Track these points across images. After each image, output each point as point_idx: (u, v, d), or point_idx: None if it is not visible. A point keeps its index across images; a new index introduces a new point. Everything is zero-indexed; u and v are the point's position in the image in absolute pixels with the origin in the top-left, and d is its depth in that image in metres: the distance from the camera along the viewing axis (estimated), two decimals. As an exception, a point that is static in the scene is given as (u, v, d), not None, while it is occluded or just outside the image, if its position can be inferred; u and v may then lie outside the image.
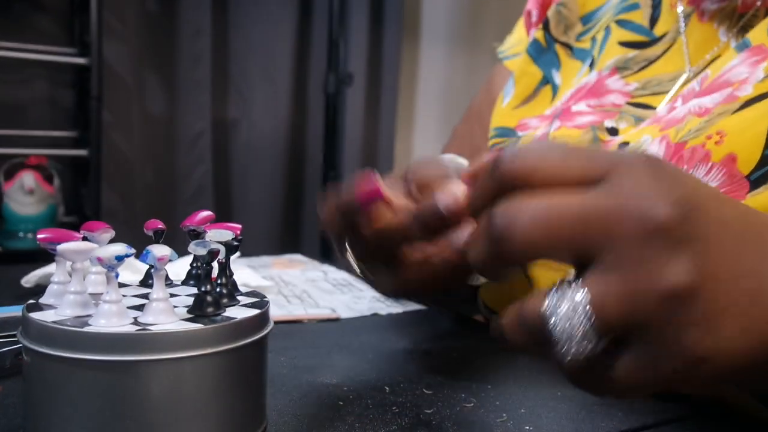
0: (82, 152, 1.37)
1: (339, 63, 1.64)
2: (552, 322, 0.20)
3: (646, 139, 0.40)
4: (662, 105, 0.42)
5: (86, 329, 0.24)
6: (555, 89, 0.52)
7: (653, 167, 0.21)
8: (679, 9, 0.45)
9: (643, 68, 0.45)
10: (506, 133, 0.52)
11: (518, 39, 0.59)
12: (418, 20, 1.96)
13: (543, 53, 0.53)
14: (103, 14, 1.32)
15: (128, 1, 1.51)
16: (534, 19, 0.57)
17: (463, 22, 1.97)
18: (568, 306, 0.20)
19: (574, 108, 0.47)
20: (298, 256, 0.73)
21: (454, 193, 0.26)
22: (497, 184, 0.22)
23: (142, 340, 0.24)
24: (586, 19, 0.53)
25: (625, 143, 0.42)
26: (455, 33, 1.96)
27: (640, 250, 0.20)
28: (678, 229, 0.20)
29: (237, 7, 1.65)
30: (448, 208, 0.26)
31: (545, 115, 0.50)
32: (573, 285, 0.20)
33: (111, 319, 0.24)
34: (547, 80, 0.52)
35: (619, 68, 0.46)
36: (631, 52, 0.46)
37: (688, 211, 0.20)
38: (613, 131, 0.44)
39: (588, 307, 0.20)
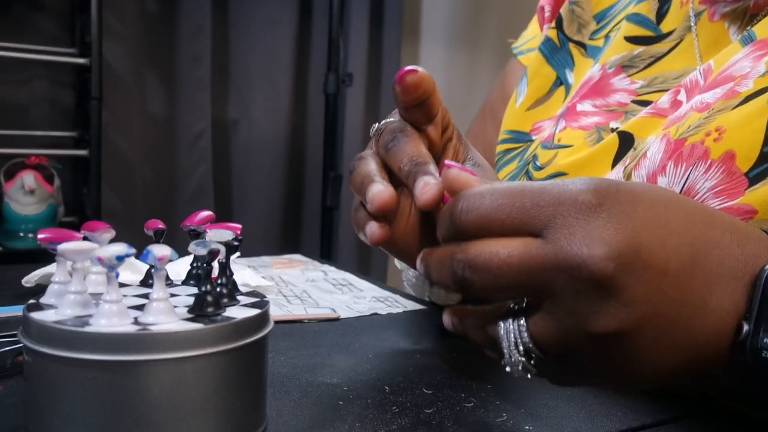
0: (83, 152, 1.37)
1: (339, 63, 1.64)
2: (501, 343, 0.25)
3: (651, 139, 0.40)
4: (665, 96, 0.42)
5: (87, 329, 0.24)
6: (568, 89, 0.52)
7: (593, 211, 0.23)
8: (691, 11, 0.45)
9: (649, 65, 0.45)
10: (520, 137, 0.52)
11: (532, 34, 0.59)
12: (418, 20, 1.96)
13: (556, 53, 0.53)
14: (103, 14, 1.32)
15: (128, 1, 1.51)
16: (547, 14, 0.56)
17: (463, 22, 1.97)
18: (513, 334, 0.24)
19: (579, 107, 0.47)
20: (298, 256, 0.73)
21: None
22: (456, 229, 0.25)
23: (142, 340, 0.24)
24: (600, 16, 0.52)
25: (629, 135, 0.42)
26: (455, 33, 1.96)
27: (571, 300, 0.23)
28: (607, 283, 0.22)
29: (237, 8, 1.65)
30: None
31: (556, 116, 0.50)
32: (520, 316, 0.24)
33: (111, 319, 0.24)
34: (561, 81, 0.52)
35: (625, 66, 0.46)
36: (637, 49, 0.46)
37: (619, 264, 0.22)
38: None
39: (528, 338, 0.24)
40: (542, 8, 0.57)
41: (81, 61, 1.34)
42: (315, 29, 1.75)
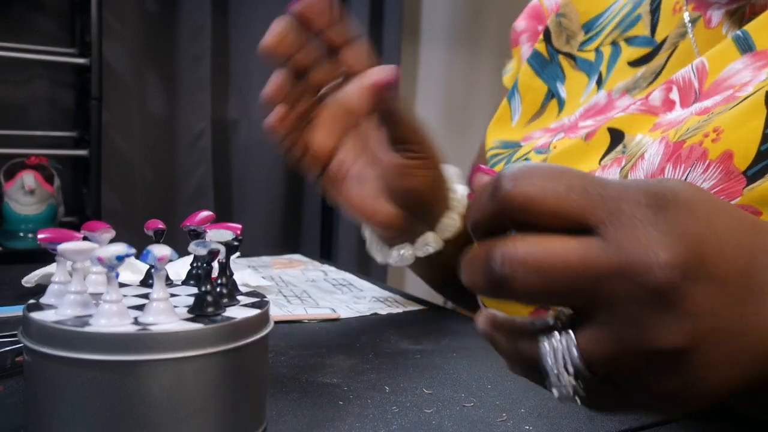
0: (83, 152, 1.37)
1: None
2: (544, 361, 0.21)
3: (647, 140, 0.40)
4: (656, 91, 0.41)
5: (87, 329, 0.24)
6: (561, 103, 0.52)
7: (656, 214, 0.20)
8: (686, 16, 0.45)
9: (651, 83, 0.45)
10: (510, 145, 0.52)
11: (516, 63, 0.60)
12: (418, 20, 1.96)
13: (546, 66, 0.53)
14: (103, 14, 1.32)
15: (128, 1, 1.51)
16: (520, 30, 0.57)
17: (463, 22, 1.97)
18: (560, 350, 0.21)
19: (581, 123, 0.47)
20: (298, 256, 0.73)
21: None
22: (497, 209, 0.21)
23: (142, 340, 0.24)
24: (588, 26, 0.52)
25: (619, 132, 0.41)
26: (455, 33, 1.96)
27: (632, 310, 0.20)
28: (672, 293, 0.20)
29: (237, 8, 1.65)
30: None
31: (549, 128, 0.50)
32: (567, 330, 0.21)
33: (111, 319, 0.24)
34: (552, 94, 0.52)
35: (630, 90, 0.46)
36: (640, 70, 0.46)
37: (685, 273, 0.20)
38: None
39: (578, 356, 0.21)
40: (514, 30, 0.58)
41: (81, 61, 1.34)
42: (315, 29, 1.74)
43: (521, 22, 0.57)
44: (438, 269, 0.51)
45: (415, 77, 1.97)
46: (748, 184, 0.33)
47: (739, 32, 0.39)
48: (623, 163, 0.40)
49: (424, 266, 0.51)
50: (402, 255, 0.48)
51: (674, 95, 0.41)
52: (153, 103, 1.58)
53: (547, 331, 0.21)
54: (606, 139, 0.42)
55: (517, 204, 0.20)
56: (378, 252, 0.50)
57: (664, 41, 0.46)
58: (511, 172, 0.21)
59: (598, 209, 0.20)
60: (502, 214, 0.21)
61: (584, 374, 0.21)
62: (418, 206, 0.46)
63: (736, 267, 0.21)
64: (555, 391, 0.21)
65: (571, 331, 0.21)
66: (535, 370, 0.22)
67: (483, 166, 0.24)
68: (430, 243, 0.47)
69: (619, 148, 0.41)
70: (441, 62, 1.95)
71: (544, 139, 0.49)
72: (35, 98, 1.45)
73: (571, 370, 0.20)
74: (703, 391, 0.21)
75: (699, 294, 0.20)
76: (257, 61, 1.69)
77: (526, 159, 0.48)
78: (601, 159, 0.42)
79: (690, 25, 0.45)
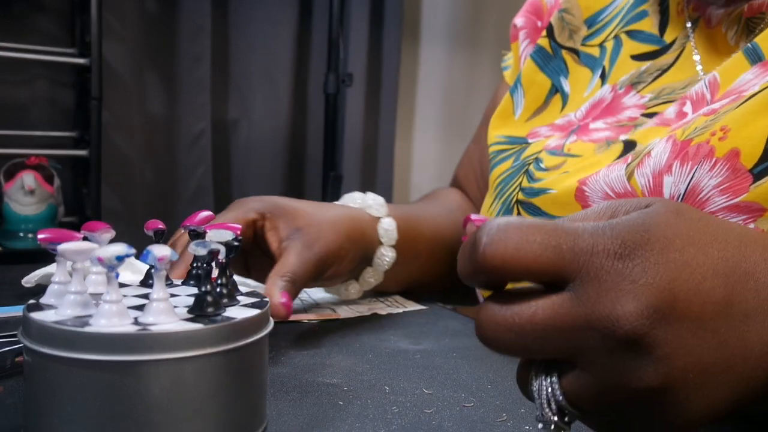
0: (83, 152, 1.37)
1: (339, 63, 1.64)
2: (534, 398, 0.23)
3: (655, 140, 0.40)
4: (672, 107, 0.42)
5: (87, 329, 0.24)
6: (564, 97, 0.52)
7: (625, 265, 0.21)
8: (687, 19, 0.45)
9: (656, 78, 0.45)
10: (515, 140, 0.52)
11: (514, 53, 0.60)
12: (418, 20, 1.96)
13: (550, 61, 0.53)
14: (103, 14, 1.32)
15: (128, 1, 1.51)
16: (520, 26, 0.57)
17: (463, 22, 1.97)
18: (546, 391, 0.23)
19: (592, 125, 0.47)
20: (298, 256, 0.73)
21: None
22: (476, 268, 0.22)
23: (142, 340, 0.24)
24: (591, 21, 0.52)
25: (632, 142, 0.42)
26: (455, 33, 1.96)
27: (606, 358, 0.21)
28: (642, 340, 0.21)
29: (237, 8, 1.65)
30: None
31: (555, 124, 0.50)
32: (553, 372, 0.23)
33: (111, 319, 0.24)
34: (556, 89, 0.52)
35: (634, 83, 0.46)
36: (644, 65, 0.46)
37: (654, 320, 0.21)
38: (627, 143, 0.44)
39: (561, 396, 0.22)
40: (514, 25, 0.58)
41: (81, 61, 1.34)
42: (315, 29, 1.75)
43: (520, 18, 0.57)
44: (393, 284, 0.55)
45: (415, 77, 1.97)
46: (754, 182, 0.33)
47: (749, 44, 0.39)
48: (629, 160, 0.40)
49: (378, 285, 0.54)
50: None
51: (687, 108, 0.41)
52: (153, 103, 1.58)
53: (539, 370, 0.23)
54: (619, 151, 0.43)
55: (492, 266, 0.22)
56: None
57: (673, 42, 0.46)
58: (488, 233, 0.22)
59: (570, 266, 0.21)
60: (483, 273, 0.22)
61: (570, 411, 0.22)
62: (344, 273, 0.49)
63: (715, 299, 0.22)
64: (540, 425, 0.23)
65: (555, 374, 0.23)
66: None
67: (473, 216, 0.25)
68: (371, 278, 0.52)
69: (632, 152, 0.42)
70: (441, 62, 1.95)
71: (554, 138, 0.49)
72: (35, 98, 1.45)
73: (554, 407, 0.22)
74: (688, 421, 0.22)
75: (671, 336, 0.21)
76: (257, 61, 1.69)
77: (537, 158, 0.48)
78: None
79: (691, 27, 0.45)
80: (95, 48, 1.30)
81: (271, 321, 0.29)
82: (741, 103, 0.36)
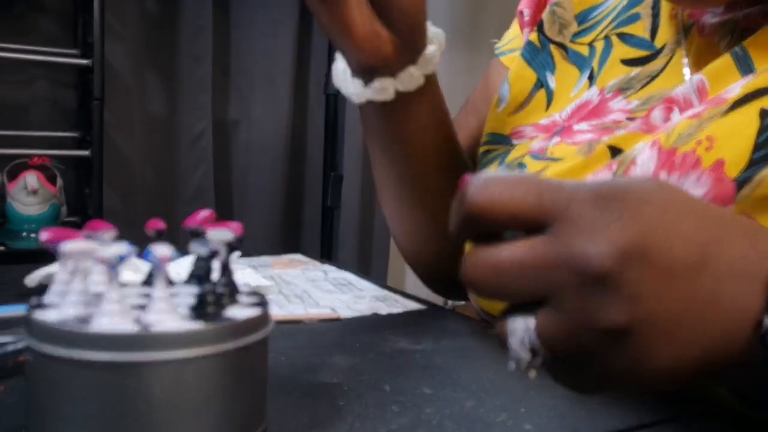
0: (85, 153, 1.37)
1: (340, 63, 1.64)
2: (509, 338, 0.24)
3: (640, 146, 0.40)
4: (656, 111, 0.42)
5: (88, 329, 0.24)
6: (549, 94, 0.51)
7: (601, 211, 0.23)
8: (680, 25, 0.44)
9: (645, 85, 0.45)
10: (500, 140, 0.51)
11: (514, 34, 0.59)
12: (419, 20, 1.95)
13: (537, 54, 0.52)
14: (105, 15, 1.33)
15: (130, 2, 1.51)
16: (527, 18, 0.56)
17: (463, 22, 1.97)
18: (520, 329, 0.24)
19: (576, 127, 0.47)
20: (298, 256, 0.73)
21: None
22: (465, 214, 0.24)
23: (143, 339, 0.24)
24: (581, 17, 0.52)
25: (618, 149, 0.41)
26: (455, 33, 1.96)
27: (577, 295, 0.23)
28: (611, 278, 0.22)
29: (238, 8, 1.66)
30: None
31: (540, 125, 0.50)
32: (528, 313, 0.24)
33: (113, 319, 0.24)
34: (541, 83, 0.52)
35: (623, 89, 0.46)
36: (634, 70, 0.46)
37: (624, 260, 0.22)
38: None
39: (535, 337, 0.24)
40: (521, 12, 0.57)
41: (83, 61, 1.35)
42: (315, 29, 1.75)
43: (527, 9, 0.56)
44: (395, 127, 0.49)
45: (416, 77, 1.96)
46: (738, 190, 0.33)
47: (738, 49, 0.39)
48: (614, 168, 0.40)
49: (388, 118, 0.49)
50: (383, 87, 0.45)
51: (674, 115, 0.41)
52: (154, 104, 1.58)
53: (517, 311, 0.24)
54: (607, 156, 0.42)
55: (479, 210, 0.23)
56: (352, 86, 0.47)
57: (662, 48, 0.45)
58: (476, 182, 0.24)
59: (551, 212, 0.23)
60: (470, 219, 0.24)
61: (542, 352, 0.24)
62: (407, 32, 0.44)
63: (687, 258, 0.23)
64: (512, 365, 0.24)
65: (531, 315, 0.24)
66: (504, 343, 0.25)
67: (470, 177, 0.26)
68: (413, 76, 0.46)
69: (617, 158, 0.41)
70: (441, 62, 1.95)
71: (538, 141, 0.48)
72: (37, 99, 1.45)
73: (527, 347, 0.24)
74: (655, 370, 0.23)
75: (640, 278, 0.22)
76: (258, 62, 1.69)
77: (520, 164, 0.47)
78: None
79: (683, 33, 0.44)
80: (97, 49, 1.31)
81: (272, 321, 0.29)
82: (726, 110, 0.35)
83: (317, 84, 1.73)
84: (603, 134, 0.44)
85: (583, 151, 0.44)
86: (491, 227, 0.24)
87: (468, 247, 0.25)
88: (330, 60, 1.65)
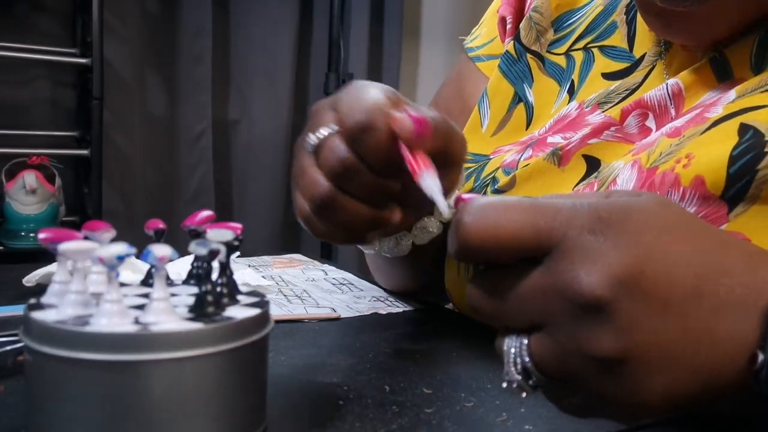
0: (84, 152, 1.37)
1: (339, 63, 1.64)
2: (503, 357, 0.24)
3: (619, 164, 0.39)
4: (631, 118, 0.41)
5: (87, 329, 0.24)
6: (529, 110, 0.50)
7: (596, 239, 0.22)
8: (660, 42, 0.43)
9: (624, 98, 0.44)
10: (479, 158, 0.51)
11: (489, 35, 0.56)
12: (418, 20, 1.96)
13: (514, 65, 0.51)
14: (104, 14, 1.33)
15: (129, 2, 1.51)
16: (509, 26, 0.54)
17: (463, 22, 1.97)
18: (515, 351, 0.24)
19: (550, 139, 0.46)
20: (298, 256, 0.73)
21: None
22: (461, 247, 0.24)
23: (142, 339, 0.24)
24: (558, 23, 0.51)
25: (593, 158, 0.41)
26: (455, 33, 1.95)
27: (569, 323, 0.22)
28: (603, 308, 0.22)
29: (238, 8, 1.66)
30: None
31: (520, 142, 0.49)
32: (524, 336, 0.24)
33: (112, 319, 0.24)
34: (519, 98, 0.50)
35: (601, 103, 0.45)
36: (614, 84, 0.45)
37: (617, 291, 0.22)
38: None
39: (528, 359, 0.24)
40: (503, 18, 0.55)
41: (82, 61, 1.35)
42: (315, 29, 1.75)
43: (507, 11, 0.54)
44: (415, 262, 0.49)
45: (415, 77, 1.97)
46: (730, 209, 0.33)
47: (716, 54, 0.38)
48: (595, 188, 0.39)
49: (406, 259, 0.47)
50: (400, 245, 0.43)
51: (650, 122, 0.40)
52: (154, 103, 1.58)
53: (512, 331, 0.24)
54: (582, 167, 0.42)
55: (472, 245, 0.23)
56: (387, 248, 0.44)
57: (641, 58, 0.44)
58: (468, 212, 0.23)
59: (546, 243, 0.23)
60: (467, 250, 0.24)
61: (536, 374, 0.24)
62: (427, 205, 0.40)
63: (684, 286, 0.22)
64: (504, 384, 0.24)
65: (526, 337, 0.24)
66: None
67: (464, 195, 0.25)
68: (429, 227, 0.43)
69: (595, 174, 0.41)
70: (441, 62, 1.95)
71: (511, 154, 0.47)
72: (37, 98, 1.45)
73: (519, 368, 0.24)
74: (647, 400, 0.23)
75: (634, 309, 0.22)
76: (258, 62, 1.69)
77: (493, 178, 0.47)
78: (576, 185, 0.41)
79: (663, 45, 0.43)
80: (96, 48, 1.31)
81: (271, 321, 0.29)
82: (706, 129, 0.35)
83: (317, 84, 1.72)
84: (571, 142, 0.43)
85: (547, 157, 0.43)
86: (488, 258, 0.24)
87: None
88: (330, 60, 1.65)
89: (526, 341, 0.24)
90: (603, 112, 0.44)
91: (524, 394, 0.25)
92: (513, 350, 0.24)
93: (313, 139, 0.35)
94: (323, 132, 0.34)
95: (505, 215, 0.23)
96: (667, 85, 0.40)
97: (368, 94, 0.33)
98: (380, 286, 0.60)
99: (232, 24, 1.65)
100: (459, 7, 1.97)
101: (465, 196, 0.25)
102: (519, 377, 0.24)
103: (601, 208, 0.23)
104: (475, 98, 0.54)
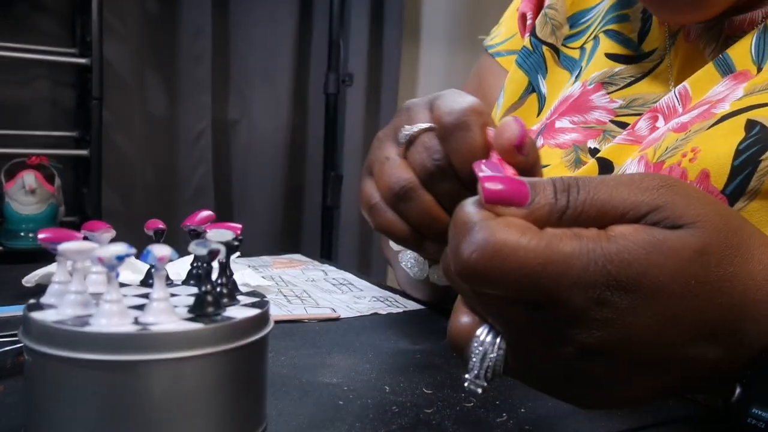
0: (83, 152, 1.37)
1: (339, 63, 1.64)
2: (471, 353, 0.24)
3: (628, 162, 0.39)
4: (642, 121, 0.41)
5: (87, 329, 0.24)
6: (541, 99, 0.51)
7: (601, 306, 0.22)
8: (667, 32, 0.44)
9: (628, 84, 0.44)
10: None
11: (509, 32, 0.58)
12: (418, 20, 1.96)
13: (529, 56, 0.52)
14: (103, 14, 1.33)
15: (129, 1, 1.51)
16: (529, 21, 0.55)
17: (463, 22, 1.97)
18: (488, 346, 0.24)
19: (558, 124, 0.46)
20: (298, 256, 0.73)
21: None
22: (456, 274, 0.23)
23: (142, 339, 0.24)
24: (573, 20, 0.52)
25: (606, 160, 0.41)
26: (455, 33, 1.96)
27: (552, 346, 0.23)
28: (592, 316, 0.22)
29: (237, 7, 1.65)
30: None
31: (532, 130, 0.49)
32: (498, 335, 0.24)
33: (112, 319, 0.24)
34: (532, 88, 0.51)
35: (605, 83, 0.45)
36: (618, 66, 0.46)
37: (602, 305, 0.22)
38: (596, 152, 0.44)
39: (500, 358, 0.24)
40: (524, 15, 0.56)
41: (82, 61, 1.35)
42: (315, 29, 1.75)
43: (527, 7, 0.55)
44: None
45: (415, 77, 1.97)
46: (731, 205, 0.33)
47: (720, 56, 0.39)
48: None
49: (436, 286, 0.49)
50: (422, 269, 0.43)
51: (660, 124, 0.40)
52: (153, 103, 1.58)
53: (487, 329, 0.24)
54: (594, 170, 0.42)
55: (470, 283, 0.22)
56: (417, 267, 0.44)
57: (651, 52, 0.45)
58: (473, 243, 0.22)
59: (547, 298, 0.22)
60: (466, 282, 0.23)
61: (497, 375, 0.24)
62: None
63: (666, 349, 0.23)
64: (466, 383, 0.24)
65: (497, 335, 0.24)
66: (462, 354, 0.25)
67: (483, 165, 0.25)
68: None
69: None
70: (441, 62, 1.95)
71: None
72: (36, 98, 1.45)
73: (487, 366, 0.24)
74: (621, 392, 0.24)
75: (617, 317, 0.22)
76: (257, 62, 1.69)
77: None
78: None
79: (670, 39, 0.44)
80: (96, 48, 1.31)
81: (271, 321, 0.29)
82: (713, 124, 0.35)
83: (317, 84, 1.72)
84: (588, 136, 0.44)
85: (569, 158, 0.44)
86: (482, 290, 0.23)
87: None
88: (330, 60, 1.65)
89: (501, 341, 0.24)
90: (607, 93, 0.45)
91: (480, 391, 0.24)
92: (486, 345, 0.24)
93: (408, 129, 0.34)
94: (420, 126, 0.34)
95: (510, 266, 0.21)
96: (675, 90, 0.40)
97: (466, 98, 0.32)
98: (381, 287, 0.60)
99: (232, 24, 1.65)
100: (459, 8, 1.97)
101: (483, 171, 0.24)
102: (483, 374, 0.24)
103: (619, 266, 0.21)
104: (495, 91, 0.55)
